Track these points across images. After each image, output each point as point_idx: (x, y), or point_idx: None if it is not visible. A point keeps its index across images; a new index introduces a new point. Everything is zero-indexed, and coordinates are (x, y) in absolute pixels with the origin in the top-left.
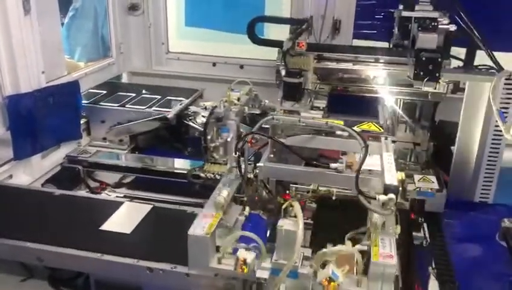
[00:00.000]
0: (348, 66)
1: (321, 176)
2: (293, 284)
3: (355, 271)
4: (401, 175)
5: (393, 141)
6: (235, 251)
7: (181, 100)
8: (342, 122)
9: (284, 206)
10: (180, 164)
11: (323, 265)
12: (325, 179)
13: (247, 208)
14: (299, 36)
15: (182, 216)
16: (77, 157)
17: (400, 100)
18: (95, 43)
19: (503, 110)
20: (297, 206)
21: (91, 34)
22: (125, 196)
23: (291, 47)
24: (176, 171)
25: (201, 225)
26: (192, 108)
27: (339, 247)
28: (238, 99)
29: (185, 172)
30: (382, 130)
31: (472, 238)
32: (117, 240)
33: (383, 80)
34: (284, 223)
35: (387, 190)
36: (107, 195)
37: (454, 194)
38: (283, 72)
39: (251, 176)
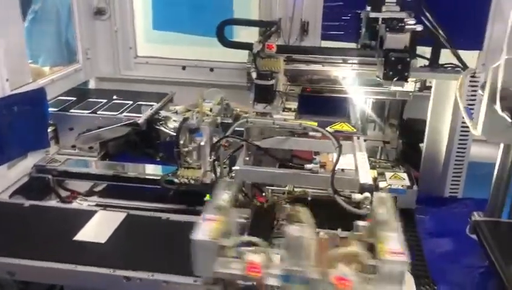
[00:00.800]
0: (318, 67)
1: (297, 177)
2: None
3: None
4: (373, 173)
5: (364, 140)
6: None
7: (151, 105)
8: (315, 124)
9: (288, 213)
10: (152, 170)
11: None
12: (301, 180)
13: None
14: (269, 38)
15: (156, 223)
16: (46, 166)
17: (369, 99)
18: (59, 47)
19: (470, 106)
20: (305, 213)
21: (54, 38)
22: (97, 205)
23: (261, 49)
24: (148, 177)
25: (206, 230)
26: (163, 112)
27: (348, 248)
28: (211, 110)
29: (158, 178)
30: (355, 130)
31: (444, 233)
32: (92, 250)
33: (352, 80)
34: (293, 230)
35: (362, 188)
36: (79, 204)
37: (425, 190)
38: (254, 75)
39: (227, 179)
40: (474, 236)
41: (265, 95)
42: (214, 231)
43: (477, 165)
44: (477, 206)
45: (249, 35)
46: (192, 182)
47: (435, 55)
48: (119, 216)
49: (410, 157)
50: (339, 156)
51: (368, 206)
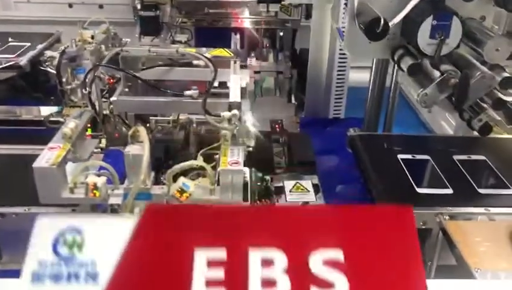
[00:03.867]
0: None
1: (177, 105)
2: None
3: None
4: None
5: (257, 72)
6: None
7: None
8: (194, 50)
9: (130, 133)
10: (42, 112)
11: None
12: (181, 107)
13: (103, 140)
14: None
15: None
16: None
17: (261, 30)
18: None
19: (343, 28)
20: (143, 131)
21: None
22: None
23: None
24: (35, 119)
25: (47, 157)
26: (48, 53)
27: (189, 162)
28: (92, 37)
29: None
30: (232, 55)
31: (329, 150)
32: None
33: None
34: (131, 149)
35: (230, 106)
36: None
37: (311, 113)
38: (139, 7)
39: (107, 112)
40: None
41: (150, 27)
42: (56, 157)
43: (357, 89)
44: (358, 124)
45: None
46: None
47: None
48: None
49: (303, 85)
50: (213, 79)
51: (237, 123)
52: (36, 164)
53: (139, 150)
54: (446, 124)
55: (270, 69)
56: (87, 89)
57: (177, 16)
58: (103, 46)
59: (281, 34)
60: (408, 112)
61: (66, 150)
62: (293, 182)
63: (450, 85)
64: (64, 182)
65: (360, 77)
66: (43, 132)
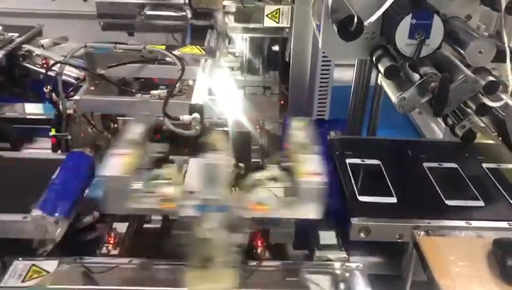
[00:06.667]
0: None
1: (143, 104)
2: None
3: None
4: None
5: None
6: None
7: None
8: (163, 47)
9: (209, 140)
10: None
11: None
12: (148, 107)
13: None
14: None
15: None
16: None
17: (246, 40)
18: None
19: None
20: (222, 140)
21: None
22: None
23: None
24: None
25: (117, 164)
26: (27, 47)
27: (269, 172)
28: None
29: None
30: (204, 53)
31: None
32: None
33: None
34: (212, 158)
35: (191, 109)
36: None
37: (295, 114)
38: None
39: (71, 111)
40: None
41: None
42: (126, 165)
43: (344, 88)
44: (340, 126)
45: None
46: None
47: None
48: None
49: None
50: (179, 78)
51: (197, 127)
52: (106, 173)
53: (221, 159)
54: (437, 126)
55: (256, 84)
56: (48, 87)
57: None
58: None
59: (276, 48)
60: (397, 113)
61: (136, 157)
62: None
63: (430, 89)
64: (131, 191)
65: (347, 75)
66: (28, 131)
